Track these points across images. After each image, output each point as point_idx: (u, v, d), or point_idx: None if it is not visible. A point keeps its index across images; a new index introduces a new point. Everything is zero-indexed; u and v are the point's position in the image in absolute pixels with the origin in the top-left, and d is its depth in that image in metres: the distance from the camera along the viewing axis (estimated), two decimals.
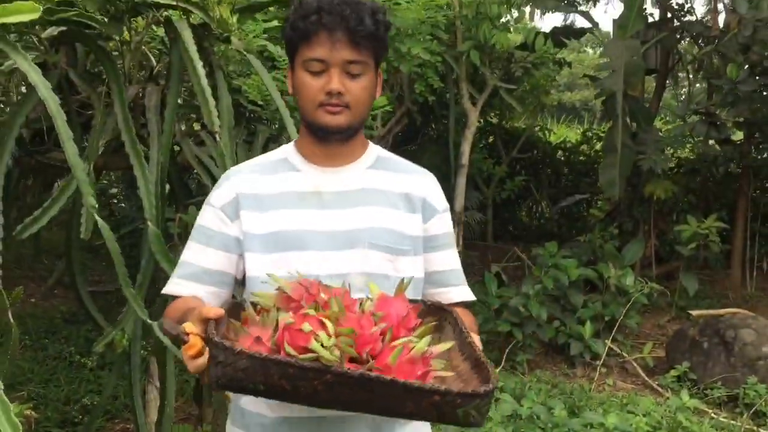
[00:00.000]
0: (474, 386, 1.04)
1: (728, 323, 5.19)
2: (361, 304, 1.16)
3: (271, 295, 1.17)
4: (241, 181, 1.44)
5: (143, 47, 2.77)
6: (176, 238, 2.83)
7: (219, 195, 1.44)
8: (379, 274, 1.27)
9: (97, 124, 2.36)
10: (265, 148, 3.55)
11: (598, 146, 9.20)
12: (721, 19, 7.72)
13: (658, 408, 4.34)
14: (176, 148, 2.89)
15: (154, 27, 2.65)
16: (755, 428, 4.34)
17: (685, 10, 8.51)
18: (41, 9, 1.45)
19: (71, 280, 2.97)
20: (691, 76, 9.18)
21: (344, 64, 1.33)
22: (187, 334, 1.06)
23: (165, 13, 2.48)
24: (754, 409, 4.51)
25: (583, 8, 8.35)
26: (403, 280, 1.25)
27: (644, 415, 4.10)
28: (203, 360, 1.05)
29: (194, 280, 1.40)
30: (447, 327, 1.27)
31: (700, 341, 5.18)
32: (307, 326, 1.03)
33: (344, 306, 1.09)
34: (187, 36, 2.22)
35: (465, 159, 6.00)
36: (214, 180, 2.78)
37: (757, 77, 5.90)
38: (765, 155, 7.36)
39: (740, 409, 4.70)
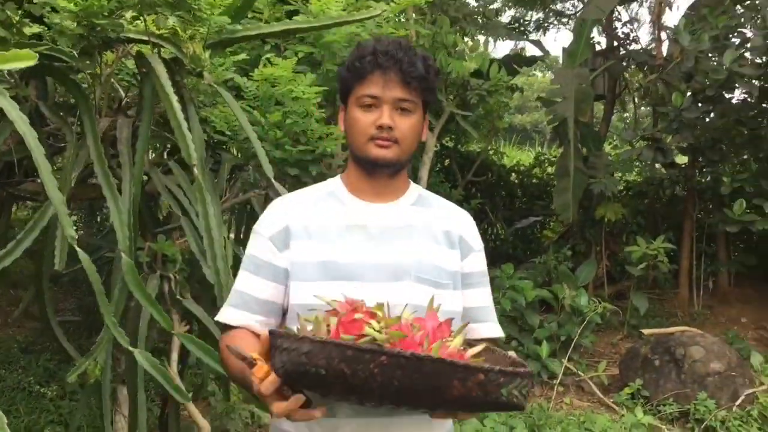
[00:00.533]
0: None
1: (678, 341, 5.38)
2: (400, 317, 1.23)
3: (319, 315, 1.22)
4: (291, 211, 1.49)
5: (111, 80, 2.80)
6: (145, 267, 2.85)
7: (268, 225, 1.50)
8: (422, 306, 1.31)
9: (70, 157, 2.38)
10: (231, 175, 3.61)
11: (550, 169, 9.45)
12: (665, 47, 8.07)
13: (613, 425, 4.48)
14: (144, 177, 2.92)
15: (122, 60, 2.68)
16: None
17: (630, 38, 8.89)
18: (37, 57, 1.49)
19: (41, 311, 2.96)
20: (636, 102, 9.54)
21: (395, 102, 1.42)
22: (255, 359, 1.14)
23: (136, 48, 2.52)
24: (704, 424, 4.69)
25: (533, 36, 8.62)
26: (432, 298, 1.31)
27: None
28: (271, 379, 1.12)
29: (245, 308, 1.46)
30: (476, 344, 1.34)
31: (651, 359, 5.36)
32: (359, 315, 1.12)
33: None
34: (161, 71, 2.27)
35: (423, 183, 6.10)
36: (184, 209, 2.84)
37: (699, 104, 6.18)
38: (708, 178, 7.65)
39: (691, 424, 4.88)
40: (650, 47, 8.75)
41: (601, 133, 8.31)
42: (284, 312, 1.47)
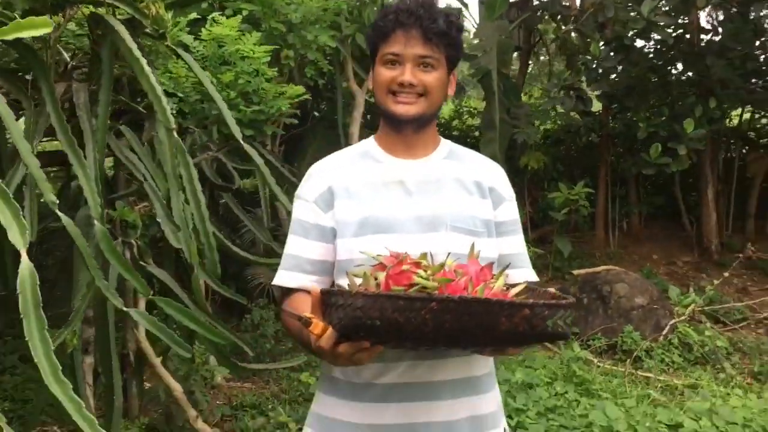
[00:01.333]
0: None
1: (604, 279, 5.72)
2: (443, 264, 1.28)
3: (366, 270, 1.26)
4: (331, 173, 1.54)
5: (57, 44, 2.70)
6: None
7: (310, 189, 1.54)
8: (461, 254, 1.36)
9: (29, 125, 2.30)
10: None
11: (471, 121, 9.65)
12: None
13: (551, 361, 4.75)
14: None
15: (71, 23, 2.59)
16: (634, 371, 4.86)
17: None
18: (53, 24, 1.44)
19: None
20: (550, 52, 9.81)
21: (417, 59, 1.45)
22: (310, 318, 1.18)
23: (89, 9, 2.44)
24: (634, 355, 5.04)
25: None
26: (473, 245, 1.36)
27: (543, 368, 4.48)
28: (329, 333, 1.17)
29: (299, 270, 1.50)
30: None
31: (580, 298, 5.67)
32: (407, 266, 1.17)
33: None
34: (125, 33, 2.22)
35: (354, 140, 6.14)
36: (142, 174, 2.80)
37: (611, 54, 6.47)
38: (619, 125, 8.03)
39: (619, 355, 5.23)
40: None
41: (519, 84, 8.54)
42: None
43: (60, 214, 1.96)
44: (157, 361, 2.97)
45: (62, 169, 3.70)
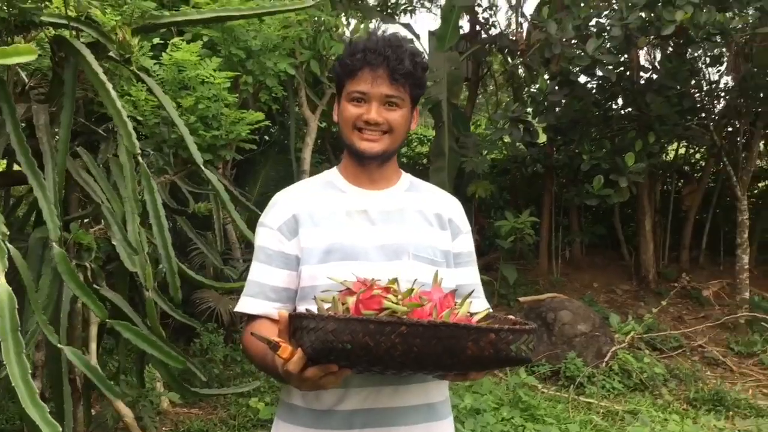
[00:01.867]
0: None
1: (548, 306, 5.87)
2: (412, 290, 1.32)
3: (334, 295, 1.30)
4: (295, 201, 1.57)
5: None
6: None
7: (274, 216, 1.57)
8: (423, 282, 1.41)
9: None
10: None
11: (420, 148, 9.81)
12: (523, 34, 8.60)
13: (498, 387, 4.84)
14: None
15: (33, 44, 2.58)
16: (577, 397, 4.99)
17: (490, 23, 9.36)
18: (38, 52, 1.45)
19: None
20: (498, 84, 10.07)
21: (383, 98, 1.51)
22: (278, 342, 1.20)
23: (53, 32, 2.44)
24: (577, 381, 5.17)
25: (403, 20, 8.85)
26: (437, 273, 1.42)
27: (489, 393, 4.57)
28: (297, 356, 1.19)
29: (263, 297, 1.52)
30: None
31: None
32: (377, 291, 1.21)
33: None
34: (90, 57, 2.22)
35: (306, 165, 6.19)
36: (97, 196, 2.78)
37: (557, 87, 6.69)
38: (563, 156, 8.27)
39: (562, 381, 5.37)
40: (508, 32, 9.29)
41: (468, 114, 8.74)
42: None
43: (9, 246, 1.93)
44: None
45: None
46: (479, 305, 1.62)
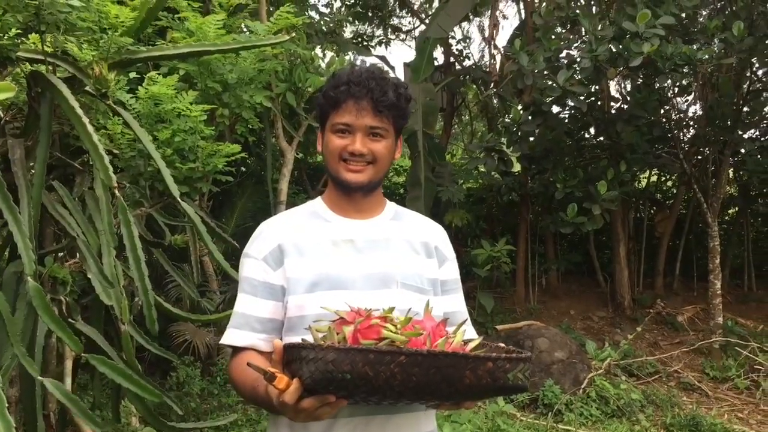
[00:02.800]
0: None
1: (526, 334, 5.90)
2: (410, 318, 1.32)
3: (325, 325, 1.30)
4: (280, 232, 1.57)
5: None
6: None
7: (259, 247, 1.56)
8: (411, 311, 1.40)
9: None
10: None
11: (396, 178, 9.87)
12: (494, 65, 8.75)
13: (476, 416, 4.84)
14: None
15: (9, 79, 2.59)
16: (555, 425, 5.00)
17: (464, 55, 9.52)
18: (16, 89, 1.47)
19: None
20: (472, 114, 10.20)
21: (367, 129, 1.52)
22: (274, 373, 1.19)
23: (29, 68, 2.46)
24: (555, 409, 5.19)
25: (378, 53, 8.97)
26: (428, 302, 1.42)
27: (468, 422, 4.56)
28: (293, 387, 1.19)
29: (248, 329, 1.52)
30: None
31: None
32: (376, 321, 1.21)
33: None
34: (67, 92, 2.24)
35: (283, 196, 6.21)
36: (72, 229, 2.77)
37: (530, 117, 6.82)
38: (537, 184, 8.38)
39: (540, 409, 5.38)
40: (481, 63, 9.45)
41: (443, 144, 8.84)
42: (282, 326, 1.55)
43: None
44: (81, 421, 2.90)
45: None
46: (469, 333, 1.62)
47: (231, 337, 1.53)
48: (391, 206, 1.69)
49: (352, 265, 1.53)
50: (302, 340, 1.30)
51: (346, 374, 1.14)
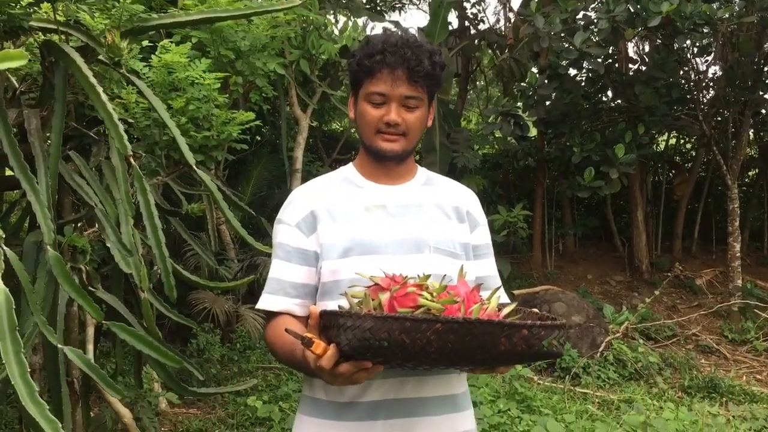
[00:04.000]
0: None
1: (543, 298, 5.91)
2: (445, 286, 1.32)
3: (361, 291, 1.31)
4: (313, 198, 1.58)
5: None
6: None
7: (292, 213, 1.58)
8: (444, 275, 1.43)
9: None
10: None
11: None
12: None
13: (494, 380, 4.87)
14: None
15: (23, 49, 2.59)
16: (573, 388, 5.02)
17: (479, 19, 9.40)
18: (28, 57, 1.47)
19: None
20: (487, 79, 10.10)
21: (402, 99, 1.50)
22: (312, 338, 1.21)
23: (42, 37, 2.46)
24: (572, 372, 5.21)
25: (392, 18, 8.87)
26: (461, 267, 1.43)
27: (486, 386, 4.60)
28: (330, 353, 1.21)
29: (283, 294, 1.54)
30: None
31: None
32: (412, 289, 1.21)
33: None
34: (80, 61, 2.24)
35: (298, 164, 6.21)
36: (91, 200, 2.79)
37: (546, 81, 6.74)
38: (554, 149, 8.31)
39: (558, 372, 5.41)
40: (497, 27, 9.33)
41: (458, 110, 8.77)
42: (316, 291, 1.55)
43: (4, 248, 1.95)
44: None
45: None
46: (503, 298, 1.59)
47: (266, 302, 1.55)
48: (422, 172, 1.69)
49: (384, 230, 1.54)
50: (338, 306, 1.31)
51: (383, 342, 1.16)
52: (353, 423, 1.50)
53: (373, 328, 1.15)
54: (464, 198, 1.69)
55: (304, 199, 1.59)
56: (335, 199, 1.58)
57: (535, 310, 1.42)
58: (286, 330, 1.29)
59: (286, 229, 1.57)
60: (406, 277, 1.32)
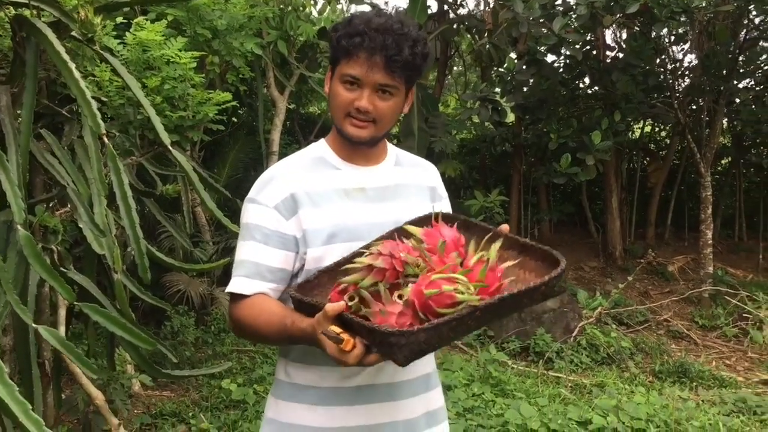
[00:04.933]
0: (548, 265, 1.30)
1: None
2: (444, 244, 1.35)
3: (357, 275, 1.30)
4: (291, 180, 1.52)
5: None
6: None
7: (270, 194, 1.50)
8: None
9: None
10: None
11: None
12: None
13: (468, 364, 4.91)
14: None
15: None
16: (546, 372, 5.07)
17: (458, 3, 9.35)
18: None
19: None
20: (465, 64, 10.07)
21: (376, 86, 1.45)
22: (340, 335, 1.21)
23: (13, 11, 2.40)
24: (546, 357, 5.26)
25: (370, 1, 8.79)
26: (434, 209, 1.47)
27: (460, 370, 4.63)
28: (359, 350, 1.20)
29: (258, 278, 1.48)
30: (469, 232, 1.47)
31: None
32: (445, 287, 1.21)
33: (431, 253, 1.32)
34: (52, 37, 2.19)
35: (275, 146, 6.16)
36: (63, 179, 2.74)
37: (524, 67, 6.74)
38: (530, 135, 8.34)
39: (532, 357, 5.45)
40: (475, 11, 9.29)
41: (436, 94, 8.74)
42: (293, 277, 1.51)
43: None
44: (78, 369, 2.91)
45: None
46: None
47: (240, 285, 1.49)
48: (392, 150, 1.68)
49: (365, 215, 1.52)
50: (386, 326, 1.23)
51: (435, 345, 1.23)
52: (334, 407, 1.50)
53: (427, 339, 1.18)
54: (430, 175, 1.71)
55: (283, 180, 1.53)
56: (314, 181, 1.54)
57: (530, 242, 1.41)
58: (324, 333, 1.23)
59: (264, 210, 1.50)
60: (395, 242, 1.33)
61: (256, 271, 1.49)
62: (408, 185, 1.63)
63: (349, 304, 1.27)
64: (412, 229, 1.39)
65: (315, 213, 1.50)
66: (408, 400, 1.55)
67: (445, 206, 1.68)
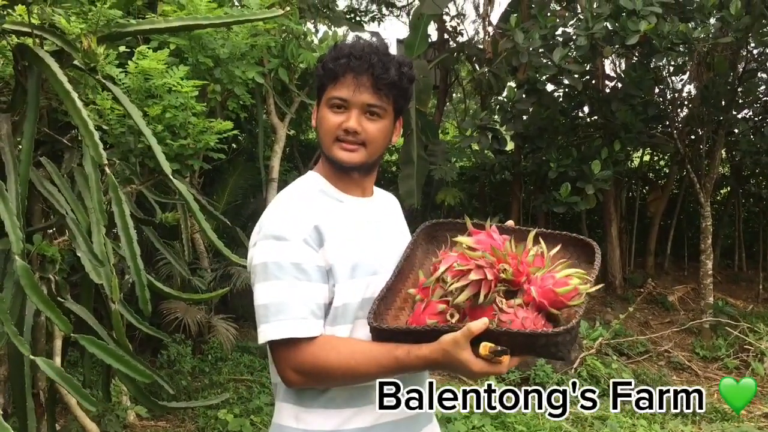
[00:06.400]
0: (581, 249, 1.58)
1: None
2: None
3: (458, 286, 1.34)
4: (311, 212, 1.45)
5: None
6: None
7: (296, 228, 1.42)
8: None
9: None
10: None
11: (387, 157, 9.81)
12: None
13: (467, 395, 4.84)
14: None
15: None
16: None
17: (458, 32, 9.43)
18: (1, 60, 1.41)
19: None
20: (465, 92, 10.12)
21: (364, 106, 1.44)
22: (493, 353, 1.24)
23: (16, 40, 2.39)
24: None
25: (372, 29, 8.87)
26: (489, 218, 1.57)
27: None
28: (507, 358, 1.24)
29: (313, 317, 1.38)
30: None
31: None
32: (572, 281, 1.34)
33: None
34: (55, 66, 2.18)
35: (275, 173, 6.14)
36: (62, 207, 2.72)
37: (524, 96, 6.76)
38: (531, 163, 8.33)
39: (528, 387, 5.39)
40: (476, 40, 9.36)
41: (436, 122, 8.77)
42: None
43: None
44: (72, 400, 2.87)
45: None
46: None
47: (299, 329, 1.37)
48: None
49: (379, 248, 1.51)
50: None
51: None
52: None
53: (577, 332, 1.32)
54: (398, 207, 1.74)
55: (303, 213, 1.45)
56: (328, 214, 1.48)
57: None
58: (492, 351, 1.24)
59: (295, 245, 1.40)
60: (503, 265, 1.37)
61: (309, 311, 1.38)
62: (393, 218, 1.66)
63: (452, 321, 1.33)
64: (461, 239, 1.40)
65: (338, 246, 1.44)
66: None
67: (407, 235, 1.68)
